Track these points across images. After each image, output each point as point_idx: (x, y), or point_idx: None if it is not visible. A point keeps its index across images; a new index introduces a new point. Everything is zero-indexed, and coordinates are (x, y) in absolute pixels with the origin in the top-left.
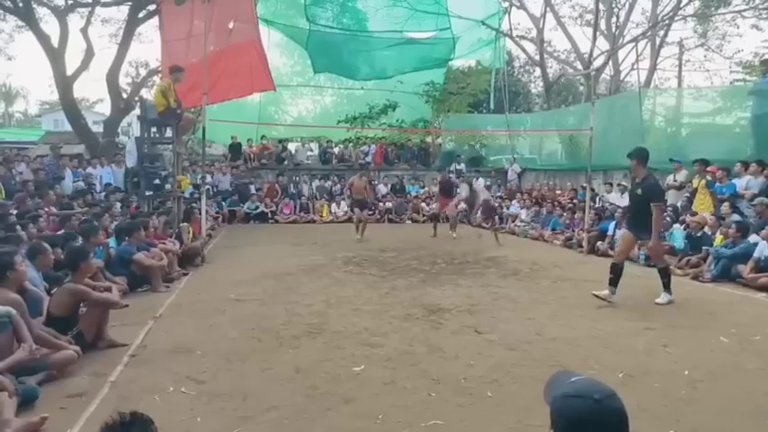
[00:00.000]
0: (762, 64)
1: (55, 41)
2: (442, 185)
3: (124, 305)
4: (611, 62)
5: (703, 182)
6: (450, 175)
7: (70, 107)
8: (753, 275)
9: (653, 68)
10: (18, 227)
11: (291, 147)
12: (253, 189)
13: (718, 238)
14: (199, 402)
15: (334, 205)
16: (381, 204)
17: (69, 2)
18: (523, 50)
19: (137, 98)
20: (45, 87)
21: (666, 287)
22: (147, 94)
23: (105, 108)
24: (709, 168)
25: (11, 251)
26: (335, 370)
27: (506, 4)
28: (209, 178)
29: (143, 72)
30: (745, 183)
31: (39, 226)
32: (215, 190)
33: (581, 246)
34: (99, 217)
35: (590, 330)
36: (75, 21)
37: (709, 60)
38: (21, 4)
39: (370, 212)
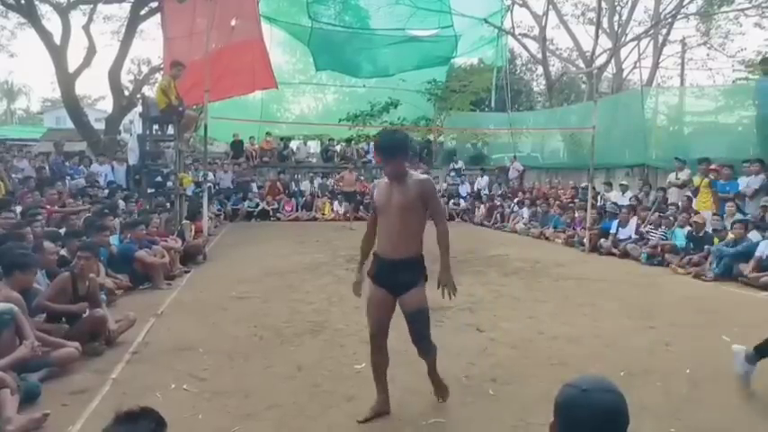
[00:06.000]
0: (762, 63)
1: (57, 38)
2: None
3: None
4: (613, 60)
5: (706, 181)
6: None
7: (72, 104)
8: (755, 274)
9: (655, 67)
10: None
11: (293, 144)
12: (254, 187)
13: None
14: (201, 400)
15: (336, 203)
16: None
17: None
18: (526, 48)
19: (139, 95)
20: (47, 84)
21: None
22: (150, 91)
23: (107, 105)
24: (713, 167)
25: (30, 255)
26: (337, 368)
27: (509, 2)
28: (210, 176)
29: (145, 69)
30: (747, 182)
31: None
32: (217, 188)
33: (583, 244)
34: (104, 216)
35: (592, 329)
36: (78, 18)
37: (712, 59)
38: (23, 1)
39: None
